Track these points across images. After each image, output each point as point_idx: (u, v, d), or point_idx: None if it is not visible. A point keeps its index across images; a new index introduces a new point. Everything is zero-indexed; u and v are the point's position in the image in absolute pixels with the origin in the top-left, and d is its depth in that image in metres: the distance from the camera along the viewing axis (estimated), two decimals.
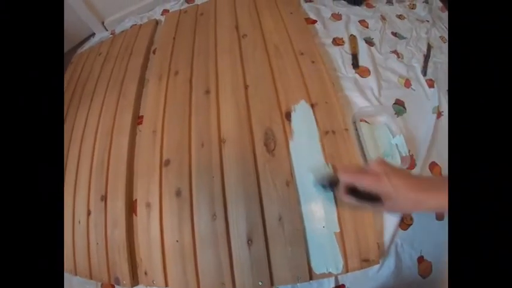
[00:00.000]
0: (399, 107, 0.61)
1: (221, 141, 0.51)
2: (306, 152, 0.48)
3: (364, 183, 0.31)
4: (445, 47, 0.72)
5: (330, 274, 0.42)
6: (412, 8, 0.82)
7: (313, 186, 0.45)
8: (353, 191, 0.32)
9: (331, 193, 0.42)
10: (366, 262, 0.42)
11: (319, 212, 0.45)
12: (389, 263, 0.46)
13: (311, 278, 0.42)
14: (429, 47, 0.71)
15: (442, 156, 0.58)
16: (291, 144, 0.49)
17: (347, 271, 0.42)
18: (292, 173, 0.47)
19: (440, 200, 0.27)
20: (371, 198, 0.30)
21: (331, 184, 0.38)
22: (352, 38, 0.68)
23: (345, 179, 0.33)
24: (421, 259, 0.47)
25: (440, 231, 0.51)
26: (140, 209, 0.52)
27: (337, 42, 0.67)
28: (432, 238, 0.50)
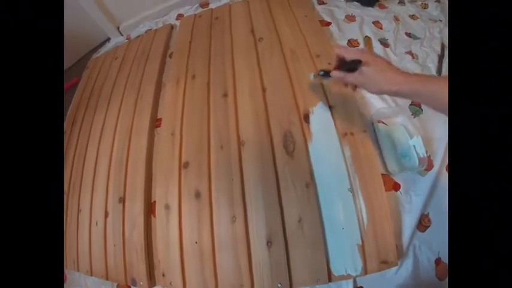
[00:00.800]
0: (415, 107, 0.60)
1: (240, 143, 0.52)
2: (325, 153, 0.49)
3: (351, 53, 0.38)
4: None
5: (348, 276, 0.42)
6: (425, 8, 0.82)
7: (331, 187, 0.46)
8: (342, 66, 0.40)
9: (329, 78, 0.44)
10: (384, 264, 0.42)
11: (338, 214, 0.45)
12: (407, 264, 0.45)
13: (330, 280, 0.42)
14: (443, 47, 0.70)
15: None
16: (310, 146, 0.49)
17: (366, 273, 0.42)
18: (311, 175, 0.47)
19: (414, 85, 0.32)
20: (354, 66, 0.37)
21: (328, 72, 0.44)
22: (367, 39, 0.68)
23: (337, 51, 0.40)
24: (438, 261, 0.47)
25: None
26: (159, 210, 0.53)
27: (352, 43, 0.67)
28: None
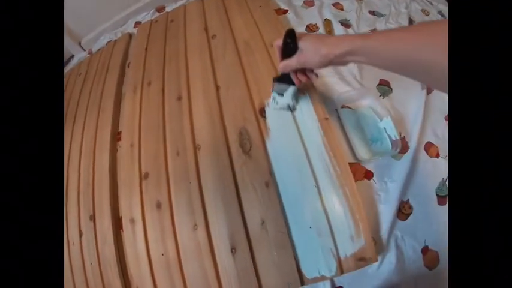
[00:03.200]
0: (384, 87, 0.57)
1: (196, 147, 0.49)
2: (284, 149, 0.46)
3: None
4: (427, 19, 0.68)
5: (323, 277, 0.39)
6: None
7: (293, 184, 0.43)
8: (282, 55, 0.38)
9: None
10: (362, 261, 0.39)
11: (304, 212, 0.42)
12: (390, 258, 0.43)
13: (302, 284, 0.39)
14: (411, 22, 0.66)
15: (437, 135, 0.53)
16: (268, 142, 0.47)
17: (342, 272, 0.39)
18: (271, 173, 0.44)
19: (355, 43, 0.30)
20: (290, 47, 0.36)
21: (279, 78, 0.43)
22: (327, 22, 0.65)
23: (275, 44, 0.39)
24: (425, 250, 0.44)
25: (444, 217, 0.47)
26: (125, 224, 0.51)
27: (310, 28, 0.64)
28: (436, 226, 0.46)
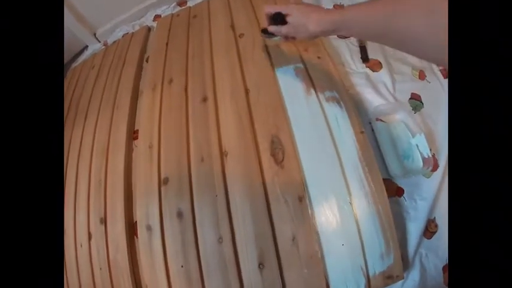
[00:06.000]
0: (416, 101, 0.55)
1: (223, 154, 0.46)
2: (319, 161, 0.43)
3: (276, 8, 0.41)
4: None
5: None
6: None
7: (327, 199, 0.41)
8: (272, 21, 0.42)
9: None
10: (389, 279, 0.39)
11: (336, 229, 0.40)
12: (414, 275, 0.43)
13: None
14: None
15: None
16: (301, 153, 0.44)
17: None
18: (304, 186, 0.42)
19: (345, 16, 0.31)
20: (280, 18, 0.40)
21: (266, 30, 0.44)
22: None
23: (266, 9, 0.42)
24: (446, 268, 0.44)
25: None
26: (141, 231, 0.48)
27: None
28: None
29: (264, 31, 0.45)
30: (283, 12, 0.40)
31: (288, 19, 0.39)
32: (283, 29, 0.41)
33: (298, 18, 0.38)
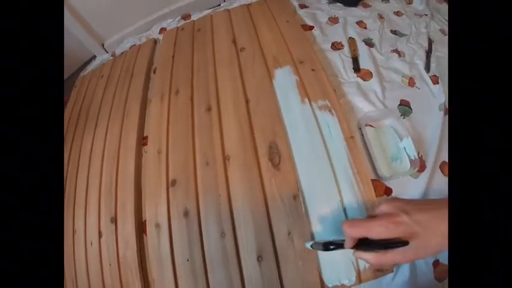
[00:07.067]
0: (405, 107, 0.59)
1: (225, 158, 0.51)
2: (312, 163, 0.48)
3: (377, 231, 0.25)
4: (446, 40, 0.70)
5: (343, 286, 0.42)
6: (409, 3, 0.81)
7: (319, 198, 0.45)
8: (367, 245, 0.27)
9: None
10: (379, 272, 0.41)
11: (328, 225, 0.44)
12: (404, 270, 0.45)
13: None
14: (430, 42, 0.69)
15: None
16: (296, 157, 0.49)
17: (360, 282, 0.41)
18: (298, 186, 0.46)
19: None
20: (392, 244, 0.25)
21: (332, 246, 0.33)
22: (351, 40, 0.67)
23: (352, 234, 0.27)
24: (436, 263, 0.46)
25: None
26: (150, 229, 0.52)
27: (336, 46, 0.66)
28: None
29: (326, 247, 0.33)
30: (401, 235, 0.25)
31: (412, 243, 0.25)
32: (390, 257, 0.26)
33: (437, 244, 0.24)
